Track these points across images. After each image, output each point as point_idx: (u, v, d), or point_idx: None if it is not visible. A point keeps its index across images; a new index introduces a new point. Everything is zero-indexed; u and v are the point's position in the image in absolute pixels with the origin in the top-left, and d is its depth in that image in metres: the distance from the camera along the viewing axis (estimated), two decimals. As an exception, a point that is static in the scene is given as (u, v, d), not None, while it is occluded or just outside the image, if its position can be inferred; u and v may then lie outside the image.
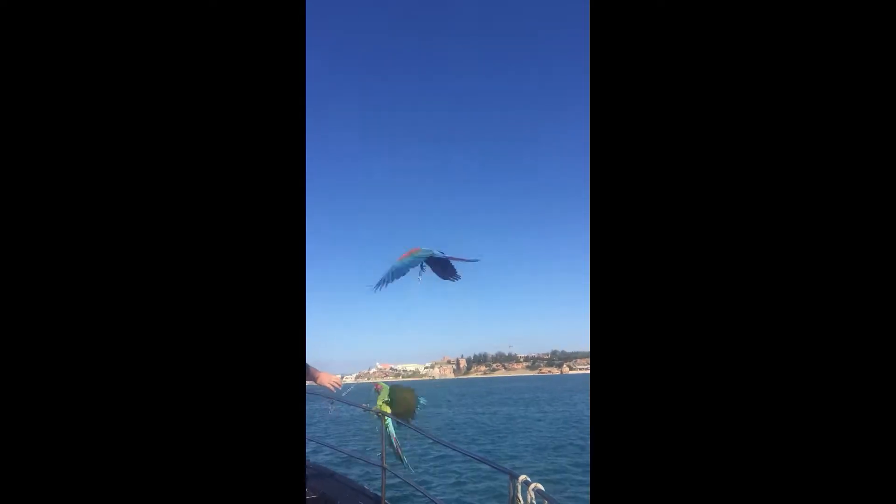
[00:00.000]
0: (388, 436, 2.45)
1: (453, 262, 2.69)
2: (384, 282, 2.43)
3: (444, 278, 2.69)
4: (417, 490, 2.33)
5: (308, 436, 3.80)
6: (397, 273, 2.46)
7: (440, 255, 2.60)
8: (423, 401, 2.49)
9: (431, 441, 2.44)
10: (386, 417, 2.44)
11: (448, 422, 15.62)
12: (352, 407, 2.68)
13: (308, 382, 2.25)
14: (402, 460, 2.48)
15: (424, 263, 2.60)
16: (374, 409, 2.49)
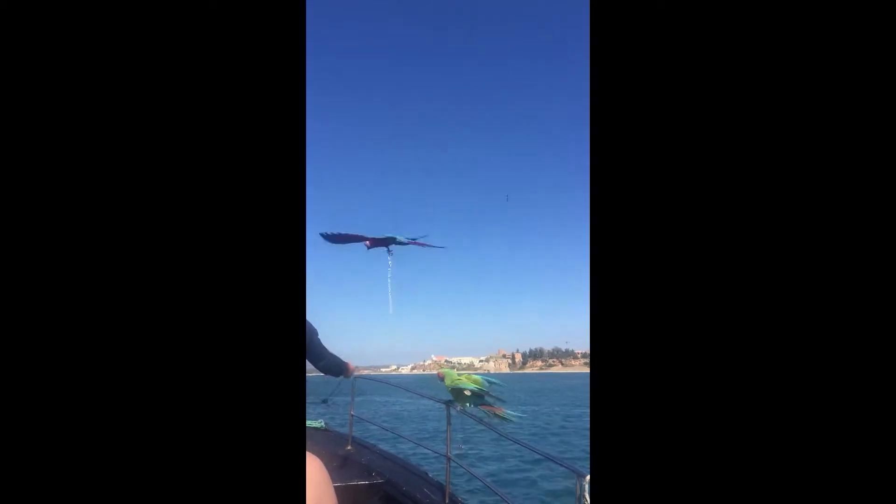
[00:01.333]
0: (477, 403, 2.33)
1: (415, 246, 2.82)
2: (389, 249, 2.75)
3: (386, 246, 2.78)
4: (481, 481, 2.37)
5: (375, 423, 3.97)
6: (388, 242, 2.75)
7: (405, 241, 2.76)
8: (489, 399, 2.34)
9: (490, 434, 2.39)
10: (463, 400, 2.39)
11: (535, 427, 13.27)
12: (417, 401, 2.74)
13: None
14: (505, 418, 2.30)
15: (391, 248, 2.76)
16: (452, 401, 2.42)
